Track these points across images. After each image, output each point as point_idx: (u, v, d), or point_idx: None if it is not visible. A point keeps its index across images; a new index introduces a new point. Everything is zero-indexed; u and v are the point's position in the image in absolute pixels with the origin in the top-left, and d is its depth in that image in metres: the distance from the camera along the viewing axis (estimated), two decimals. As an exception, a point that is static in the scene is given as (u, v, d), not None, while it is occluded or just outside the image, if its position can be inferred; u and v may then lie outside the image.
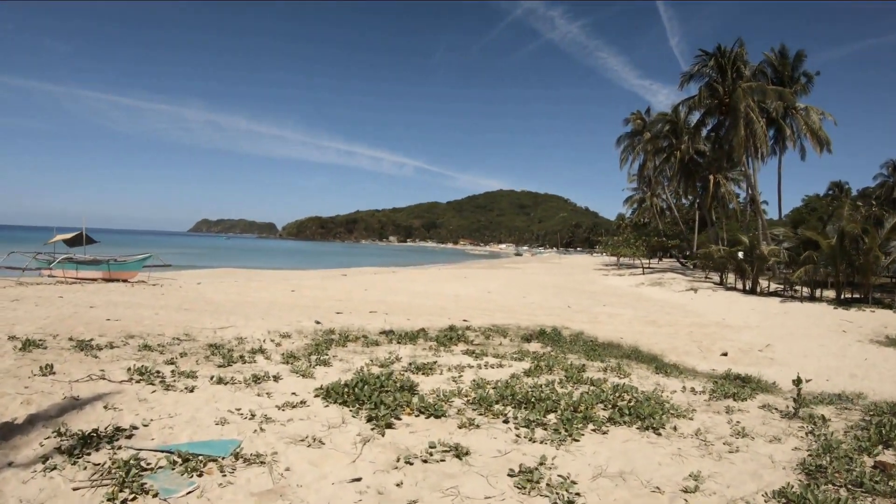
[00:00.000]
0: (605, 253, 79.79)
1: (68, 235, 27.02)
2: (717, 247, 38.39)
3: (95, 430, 5.70)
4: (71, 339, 10.06)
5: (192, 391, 7.42)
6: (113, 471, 4.81)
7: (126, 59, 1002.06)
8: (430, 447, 5.83)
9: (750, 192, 47.18)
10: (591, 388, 8.26)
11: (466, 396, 7.92)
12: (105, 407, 6.60)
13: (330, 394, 7.51)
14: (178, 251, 67.88)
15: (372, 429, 6.47)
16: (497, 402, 7.48)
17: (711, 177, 51.13)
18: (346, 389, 7.57)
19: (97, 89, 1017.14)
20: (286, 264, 56.18)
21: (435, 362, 9.90)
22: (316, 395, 7.61)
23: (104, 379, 7.67)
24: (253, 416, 6.63)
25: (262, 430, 6.21)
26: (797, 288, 30.12)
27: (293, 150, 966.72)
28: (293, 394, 7.69)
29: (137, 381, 7.66)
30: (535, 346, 12.58)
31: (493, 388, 8.16)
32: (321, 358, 9.72)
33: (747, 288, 32.16)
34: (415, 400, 7.40)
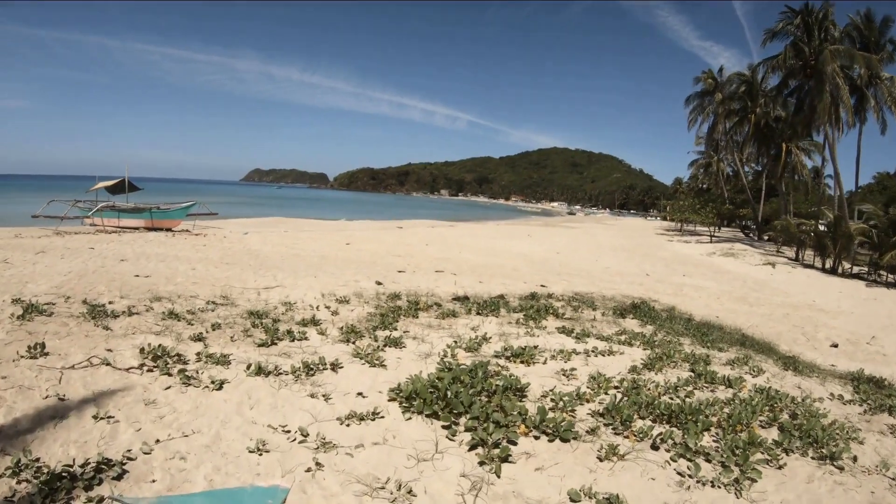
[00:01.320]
0: (665, 217, 75.52)
1: (110, 182, 25.68)
2: (797, 220, 34.41)
3: (68, 470, 3.63)
4: (85, 301, 8.17)
5: (220, 387, 5.32)
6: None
7: (179, 11, 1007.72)
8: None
9: (824, 163, 43.97)
10: (730, 390, 6.64)
11: (589, 402, 5.74)
12: (96, 417, 4.56)
13: (411, 397, 5.29)
14: (227, 200, 67.52)
15: (481, 463, 4.29)
16: (635, 415, 5.40)
17: (784, 144, 46.58)
18: (432, 391, 5.33)
19: (150, 42, 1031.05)
20: (338, 214, 54.43)
21: (535, 347, 7.56)
22: (391, 399, 5.42)
23: (108, 364, 5.66)
24: (305, 436, 4.47)
25: (318, 466, 4.06)
26: (881, 273, 26.46)
27: (345, 101, 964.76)
28: (359, 395, 5.51)
29: (150, 370, 5.61)
30: (632, 324, 10.38)
31: (620, 391, 6.15)
32: (391, 336, 7.50)
33: (826, 267, 28.56)
34: (531, 411, 5.13)
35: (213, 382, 5.35)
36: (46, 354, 5.79)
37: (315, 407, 5.11)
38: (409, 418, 5.05)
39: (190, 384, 5.32)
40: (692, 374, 7.06)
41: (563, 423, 4.94)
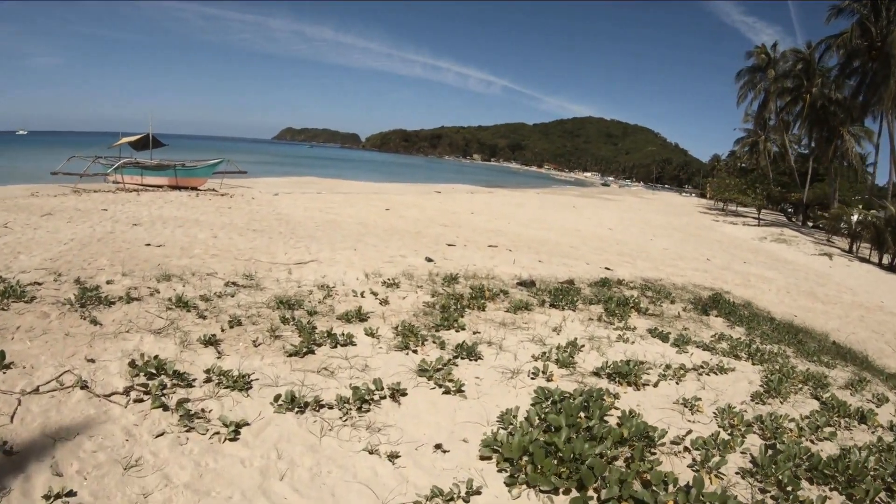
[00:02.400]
0: (706, 195, 72.76)
1: (134, 137, 24.22)
2: (857, 209, 31.37)
3: None
4: (78, 281, 6.59)
5: (235, 435, 3.65)
6: None
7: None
8: None
9: (877, 151, 42.39)
10: (862, 425, 5.17)
11: (731, 450, 4.12)
12: (48, 497, 2.91)
13: (516, 456, 3.54)
14: (258, 159, 66.27)
15: None
16: (792, 474, 3.77)
17: (839, 128, 43.78)
18: (536, 444, 3.58)
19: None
20: (372, 176, 52.42)
21: (641, 363, 5.76)
22: (485, 457, 3.68)
23: (84, 388, 4.03)
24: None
25: None
26: None
27: (379, 62, 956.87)
28: (438, 448, 3.79)
29: (139, 398, 3.95)
30: (718, 323, 8.71)
31: (756, 431, 4.64)
32: (463, 344, 5.71)
33: (884, 262, 25.79)
34: (679, 478, 3.40)
35: (226, 426, 3.67)
36: (7, 368, 4.19)
37: (377, 475, 3.40)
38: (519, 496, 3.31)
39: (193, 428, 3.65)
40: (820, 403, 5.53)
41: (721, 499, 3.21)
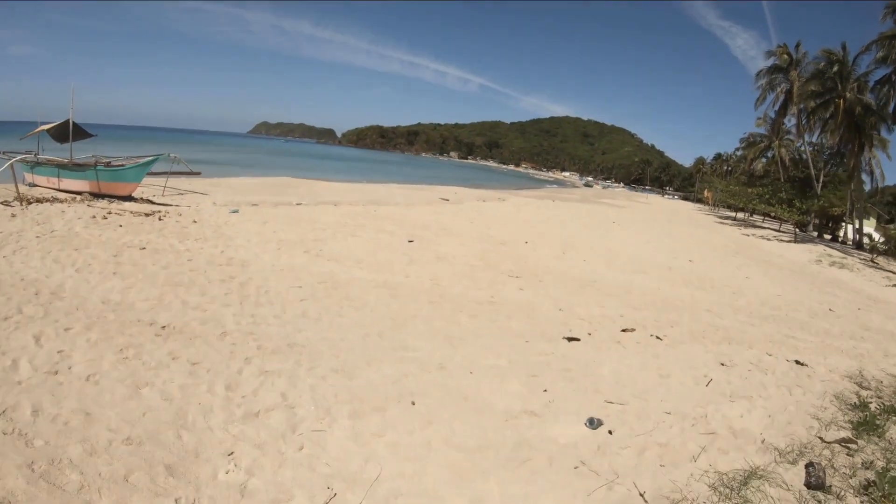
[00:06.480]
0: (703, 199, 71.19)
1: (51, 125, 17.58)
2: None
3: None
4: None
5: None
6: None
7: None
8: None
9: None
10: None
11: None
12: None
13: None
14: (229, 154, 58.94)
15: None
16: None
17: (872, 136, 40.30)
18: None
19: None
20: (356, 175, 45.57)
21: None
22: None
23: None
24: None
25: None
26: None
27: (356, 57, 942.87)
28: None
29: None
30: None
31: None
32: None
33: None
34: None
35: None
36: None
37: None
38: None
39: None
40: None
41: None
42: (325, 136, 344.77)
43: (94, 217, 11.02)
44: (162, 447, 3.58)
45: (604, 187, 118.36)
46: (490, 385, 5.18)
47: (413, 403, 4.58)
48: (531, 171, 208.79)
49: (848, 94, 42.45)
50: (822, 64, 46.08)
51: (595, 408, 5.05)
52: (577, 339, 6.92)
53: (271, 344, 5.41)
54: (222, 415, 4.02)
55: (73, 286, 6.44)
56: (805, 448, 4.44)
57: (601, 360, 6.32)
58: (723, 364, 6.72)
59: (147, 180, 16.85)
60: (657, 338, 7.49)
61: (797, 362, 7.05)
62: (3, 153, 16.27)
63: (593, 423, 4.75)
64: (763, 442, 4.56)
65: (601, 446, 4.38)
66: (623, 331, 7.61)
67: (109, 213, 11.83)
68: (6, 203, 11.78)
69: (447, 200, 26.43)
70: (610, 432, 4.66)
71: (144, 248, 8.75)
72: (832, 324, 10.40)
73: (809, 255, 27.13)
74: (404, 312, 7.12)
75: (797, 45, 51.64)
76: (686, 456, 4.31)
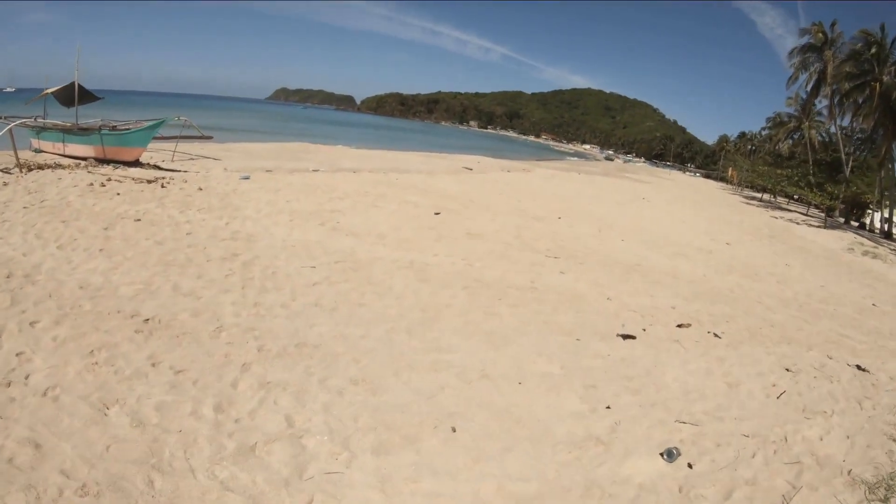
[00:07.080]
0: (730, 180, 69.38)
1: (55, 88, 16.70)
2: None
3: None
4: None
5: None
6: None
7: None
8: None
9: None
10: None
11: None
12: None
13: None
14: (246, 119, 57.98)
15: None
16: None
17: None
18: None
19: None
20: (375, 142, 43.84)
21: None
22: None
23: None
24: None
25: None
26: None
27: (377, 23, 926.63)
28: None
29: None
30: None
31: None
32: None
33: None
34: None
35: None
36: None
37: None
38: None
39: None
40: None
41: None
42: (345, 102, 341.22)
43: (91, 185, 10.08)
44: (126, 499, 2.68)
45: (625, 161, 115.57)
46: (545, 401, 4.22)
47: (454, 430, 3.64)
48: (551, 142, 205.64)
49: (885, 78, 40.40)
50: (860, 45, 43.78)
51: (667, 430, 4.10)
52: (633, 337, 5.96)
53: (276, 344, 4.48)
54: (208, 449, 3.11)
55: (50, 267, 5.56)
56: (892, 480, 3.76)
57: (663, 364, 5.34)
58: (788, 370, 5.77)
59: (157, 145, 16.01)
60: (715, 335, 6.53)
61: (859, 368, 6.25)
62: (4, 118, 15.48)
63: (672, 456, 3.81)
64: (850, 473, 3.82)
65: (682, 487, 3.46)
66: (679, 326, 6.64)
67: (109, 179, 10.90)
68: (6, 170, 10.95)
69: (471, 170, 25.20)
70: (690, 466, 3.74)
71: (139, 220, 7.84)
72: (881, 321, 9.45)
73: (841, 242, 25.62)
74: (435, 301, 6.15)
75: (833, 24, 48.90)
76: (777, 497, 3.46)
